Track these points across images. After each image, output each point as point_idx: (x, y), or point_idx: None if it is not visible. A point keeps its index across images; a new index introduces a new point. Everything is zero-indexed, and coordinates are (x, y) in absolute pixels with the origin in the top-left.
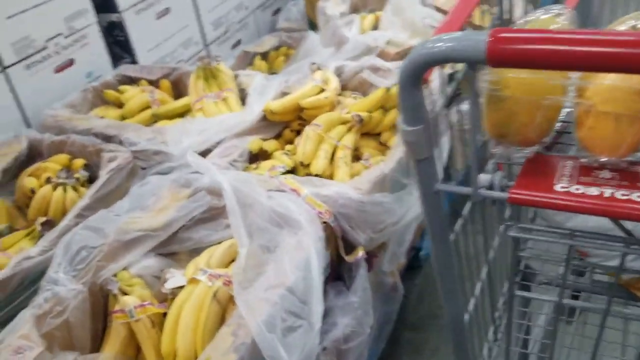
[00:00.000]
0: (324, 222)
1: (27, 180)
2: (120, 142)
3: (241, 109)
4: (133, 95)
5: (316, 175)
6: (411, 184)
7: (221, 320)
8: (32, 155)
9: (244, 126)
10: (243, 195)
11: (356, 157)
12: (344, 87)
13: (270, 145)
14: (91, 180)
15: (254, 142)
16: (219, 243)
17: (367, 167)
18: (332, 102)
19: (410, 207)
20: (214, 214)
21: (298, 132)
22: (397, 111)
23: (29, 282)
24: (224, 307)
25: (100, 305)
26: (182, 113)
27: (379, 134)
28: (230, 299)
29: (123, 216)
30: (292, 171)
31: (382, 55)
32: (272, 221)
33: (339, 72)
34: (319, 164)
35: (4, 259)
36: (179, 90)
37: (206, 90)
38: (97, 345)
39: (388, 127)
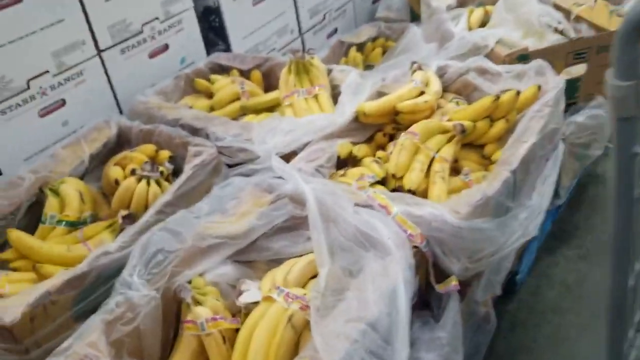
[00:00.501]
0: (415, 247)
1: (112, 170)
2: (207, 136)
3: (332, 108)
4: (223, 86)
5: (408, 191)
6: (517, 207)
7: (295, 347)
8: (121, 142)
9: (334, 128)
10: (327, 209)
11: (454, 169)
12: (445, 89)
13: (360, 150)
14: (175, 172)
15: (343, 146)
16: (299, 256)
17: (467, 182)
18: (431, 107)
19: (513, 233)
20: (296, 224)
21: (391, 137)
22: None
23: (105, 278)
24: (299, 333)
25: (173, 311)
26: (271, 107)
27: (482, 145)
28: (306, 325)
29: (202, 219)
30: (382, 182)
31: (491, 56)
32: (357, 241)
33: (441, 73)
34: (412, 178)
35: (83, 250)
36: (269, 81)
37: (297, 85)
38: (166, 353)
39: (494, 139)
